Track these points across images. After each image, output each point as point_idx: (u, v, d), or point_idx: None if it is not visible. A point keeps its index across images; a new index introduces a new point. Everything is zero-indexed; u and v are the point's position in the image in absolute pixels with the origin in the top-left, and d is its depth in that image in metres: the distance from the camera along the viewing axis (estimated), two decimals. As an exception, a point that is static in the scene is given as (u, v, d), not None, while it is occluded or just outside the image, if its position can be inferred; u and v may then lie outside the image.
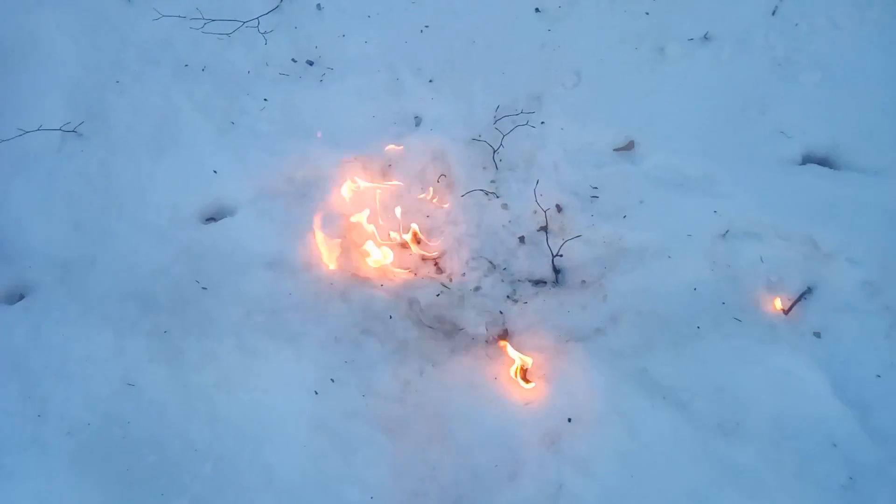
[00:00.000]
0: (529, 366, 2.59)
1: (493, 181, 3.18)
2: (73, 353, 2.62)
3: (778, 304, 2.66)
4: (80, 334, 2.67)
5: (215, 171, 3.19)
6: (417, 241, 3.08)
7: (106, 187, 3.18)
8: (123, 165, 3.23)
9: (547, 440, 2.41)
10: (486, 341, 2.72)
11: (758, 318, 2.62)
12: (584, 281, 2.85)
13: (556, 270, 2.89)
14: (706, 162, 2.97)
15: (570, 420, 2.44)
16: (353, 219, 3.07)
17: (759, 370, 2.48)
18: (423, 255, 3.06)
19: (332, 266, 2.91)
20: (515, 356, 2.58)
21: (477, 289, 2.91)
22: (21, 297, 2.90)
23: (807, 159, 2.97)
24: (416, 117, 3.39)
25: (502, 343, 2.64)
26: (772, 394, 2.43)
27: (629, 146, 3.13)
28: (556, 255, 2.84)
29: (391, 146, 3.24)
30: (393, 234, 3.08)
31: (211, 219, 3.14)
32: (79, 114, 3.37)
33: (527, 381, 2.56)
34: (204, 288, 2.81)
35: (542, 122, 3.24)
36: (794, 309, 2.63)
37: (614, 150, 3.14)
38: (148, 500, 2.35)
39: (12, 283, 2.93)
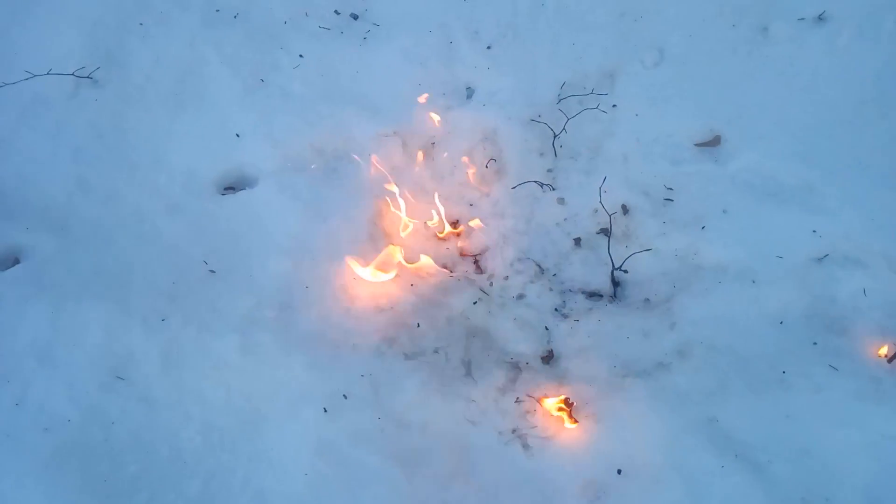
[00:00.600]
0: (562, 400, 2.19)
1: (549, 170, 2.77)
2: (62, 334, 2.33)
3: (883, 350, 2.21)
4: (70, 313, 2.37)
5: (238, 135, 2.85)
6: (458, 234, 2.69)
7: (118, 144, 2.87)
8: (139, 120, 2.93)
9: (589, 493, 2.03)
10: (527, 363, 2.33)
11: (856, 365, 2.18)
12: (647, 300, 2.43)
13: (616, 283, 2.48)
14: (807, 169, 2.53)
15: (619, 472, 2.05)
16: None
17: (855, 433, 2.05)
18: (462, 251, 2.67)
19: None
20: (552, 406, 2.18)
21: (520, 297, 2.52)
22: (16, 262, 2.62)
23: (933, 176, 2.48)
24: (469, 88, 2.99)
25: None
26: (869, 463, 2.00)
27: (715, 142, 2.69)
28: (618, 268, 2.42)
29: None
30: (429, 223, 2.68)
31: (229, 188, 2.80)
32: (96, 58, 3.06)
33: (571, 418, 2.17)
34: (212, 271, 2.48)
35: (614, 106, 2.81)
36: (899, 357, 2.19)
37: (696, 144, 2.70)
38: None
39: (8, 245, 2.64)
